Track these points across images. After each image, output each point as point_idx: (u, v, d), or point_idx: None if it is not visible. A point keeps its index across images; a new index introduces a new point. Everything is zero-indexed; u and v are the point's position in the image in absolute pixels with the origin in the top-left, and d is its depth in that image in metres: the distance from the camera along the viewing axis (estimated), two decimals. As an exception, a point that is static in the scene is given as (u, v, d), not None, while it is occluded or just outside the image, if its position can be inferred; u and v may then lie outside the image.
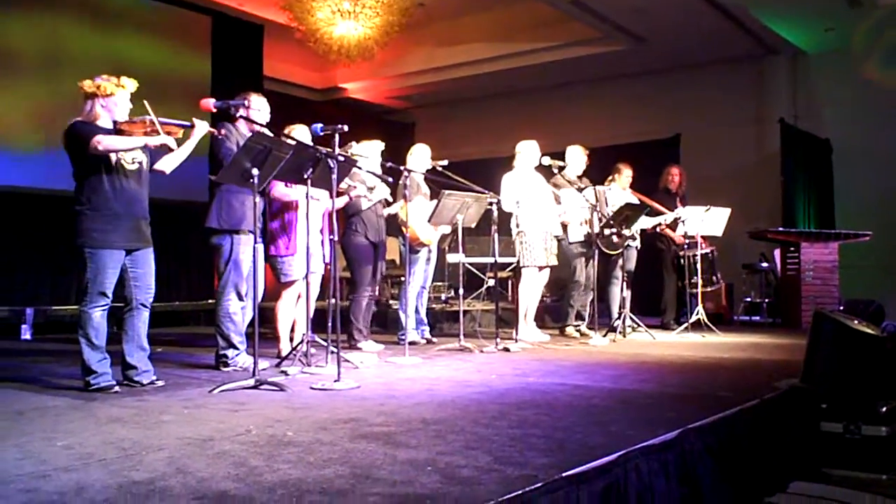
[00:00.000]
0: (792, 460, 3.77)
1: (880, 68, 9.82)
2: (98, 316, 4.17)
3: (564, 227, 7.44)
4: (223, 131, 4.93)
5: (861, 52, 9.90)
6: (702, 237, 8.13)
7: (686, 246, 7.94)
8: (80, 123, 4.19)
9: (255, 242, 4.69)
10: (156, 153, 4.42)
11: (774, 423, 3.77)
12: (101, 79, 4.23)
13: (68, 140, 4.17)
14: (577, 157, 7.56)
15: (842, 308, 8.01)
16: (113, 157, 4.18)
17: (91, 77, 4.26)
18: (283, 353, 5.26)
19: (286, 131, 5.29)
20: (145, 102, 4.29)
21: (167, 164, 4.48)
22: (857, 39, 9.84)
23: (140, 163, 4.32)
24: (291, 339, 5.55)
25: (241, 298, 5.00)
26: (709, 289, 8.47)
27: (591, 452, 2.69)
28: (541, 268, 7.14)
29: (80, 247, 4.15)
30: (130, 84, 4.29)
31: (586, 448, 2.78)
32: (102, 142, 4.09)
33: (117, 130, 4.25)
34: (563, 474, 2.41)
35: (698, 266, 7.79)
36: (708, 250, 8.33)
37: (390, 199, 6.50)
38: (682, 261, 8.03)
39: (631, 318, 7.57)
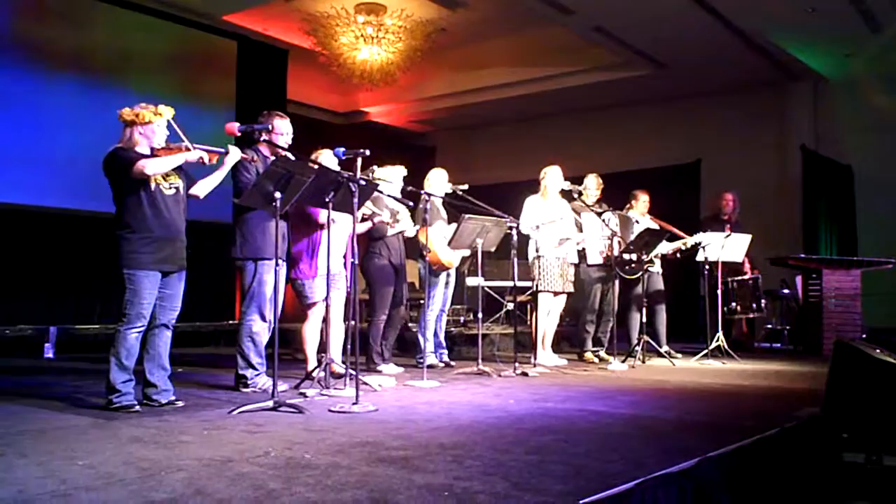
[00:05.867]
0: (812, 491, 3.73)
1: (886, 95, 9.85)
2: (133, 338, 4.24)
3: (583, 251, 7.45)
4: (252, 157, 5.01)
5: (867, 78, 9.93)
6: (749, 264, 8.19)
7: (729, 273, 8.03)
8: (120, 150, 4.29)
9: (277, 266, 4.73)
10: (191, 179, 4.51)
11: (795, 453, 3.73)
12: (139, 107, 4.34)
13: (109, 166, 4.27)
14: (590, 189, 7.59)
15: (864, 336, 7.93)
16: (152, 182, 4.27)
17: (130, 106, 4.36)
18: (313, 375, 5.27)
19: (313, 156, 5.36)
20: (176, 128, 4.38)
21: (201, 189, 4.57)
22: (862, 65, 9.87)
23: (177, 187, 4.41)
24: (320, 361, 5.56)
25: (263, 319, 5.04)
26: (751, 315, 8.47)
27: (609, 480, 2.67)
28: (556, 293, 7.14)
29: (120, 268, 4.23)
30: (167, 112, 4.39)
31: (604, 475, 2.76)
32: (147, 165, 4.19)
33: (154, 157, 4.34)
34: (581, 501, 2.40)
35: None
36: (751, 277, 8.33)
37: (410, 235, 6.51)
38: (728, 286, 8.07)
39: (649, 342, 7.53)
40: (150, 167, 4.21)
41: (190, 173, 4.54)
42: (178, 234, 4.41)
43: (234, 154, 4.61)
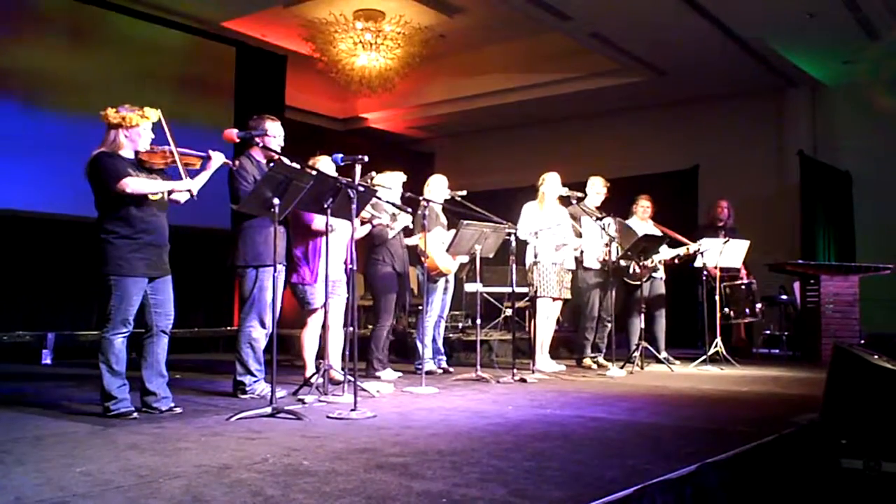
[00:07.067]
0: (811, 497, 3.73)
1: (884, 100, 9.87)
2: (119, 343, 4.21)
3: (582, 255, 7.45)
4: (237, 163, 4.99)
5: (871, 82, 9.94)
6: (745, 270, 8.19)
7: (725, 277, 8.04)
8: (104, 157, 4.21)
9: (276, 271, 4.72)
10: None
11: (793, 459, 3.73)
12: (125, 109, 4.27)
13: (92, 172, 4.21)
14: (595, 188, 7.60)
15: (863, 342, 7.93)
16: None
17: (114, 107, 4.29)
18: (312, 381, 5.26)
19: (310, 162, 5.36)
20: (165, 128, 4.34)
21: (182, 195, 4.53)
22: (866, 69, 9.89)
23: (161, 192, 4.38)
24: (318, 367, 5.55)
25: (263, 326, 5.04)
26: (747, 320, 8.48)
27: (607, 486, 2.67)
28: (554, 299, 7.14)
29: (105, 274, 4.19)
30: (153, 114, 4.33)
31: (603, 482, 2.76)
32: (130, 185, 4.14)
33: (138, 160, 4.31)
34: (579, 508, 2.40)
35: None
36: (746, 281, 8.33)
37: (411, 227, 6.53)
38: (725, 290, 8.07)
39: (648, 348, 7.52)
40: (133, 188, 4.15)
41: (173, 177, 4.47)
42: (163, 239, 4.38)
43: (217, 159, 4.54)
